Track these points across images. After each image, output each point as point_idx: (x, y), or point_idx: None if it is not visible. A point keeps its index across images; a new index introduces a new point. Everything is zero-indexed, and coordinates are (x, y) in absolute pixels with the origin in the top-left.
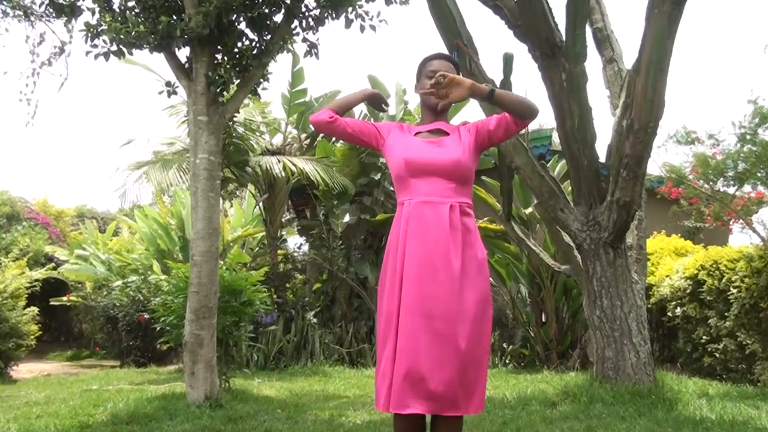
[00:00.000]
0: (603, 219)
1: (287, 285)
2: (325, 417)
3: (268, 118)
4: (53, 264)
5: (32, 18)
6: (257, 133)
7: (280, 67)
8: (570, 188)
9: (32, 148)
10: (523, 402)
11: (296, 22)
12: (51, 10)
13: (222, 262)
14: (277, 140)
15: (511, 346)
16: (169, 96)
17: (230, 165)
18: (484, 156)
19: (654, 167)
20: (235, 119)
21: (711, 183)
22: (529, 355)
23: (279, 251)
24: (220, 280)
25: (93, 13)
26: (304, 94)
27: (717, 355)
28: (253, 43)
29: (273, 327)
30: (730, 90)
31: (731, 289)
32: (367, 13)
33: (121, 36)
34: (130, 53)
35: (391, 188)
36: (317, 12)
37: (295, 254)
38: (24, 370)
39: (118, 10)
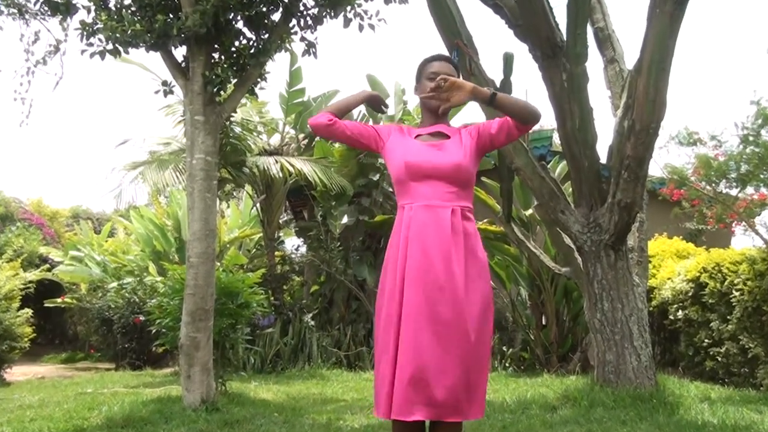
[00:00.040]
0: (604, 221)
1: (285, 287)
2: (323, 421)
3: (266, 118)
4: (48, 265)
5: (27, 16)
6: (254, 133)
7: (277, 67)
8: (571, 190)
9: (27, 147)
10: (523, 406)
11: (294, 21)
12: (46, 8)
13: (219, 264)
14: (275, 140)
15: (511, 350)
16: (165, 95)
17: (227, 165)
18: (484, 157)
19: (656, 169)
20: (232, 119)
21: (713, 185)
22: (529, 358)
23: (276, 253)
24: (216, 281)
25: (88, 12)
26: (302, 93)
27: (719, 359)
28: (251, 42)
29: (270, 329)
30: (732, 91)
31: (733, 292)
32: (365, 12)
33: (117, 34)
34: (126, 52)
35: (390, 189)
36: (315, 11)
37: (293, 256)
38: (18, 372)
39: (114, 8)
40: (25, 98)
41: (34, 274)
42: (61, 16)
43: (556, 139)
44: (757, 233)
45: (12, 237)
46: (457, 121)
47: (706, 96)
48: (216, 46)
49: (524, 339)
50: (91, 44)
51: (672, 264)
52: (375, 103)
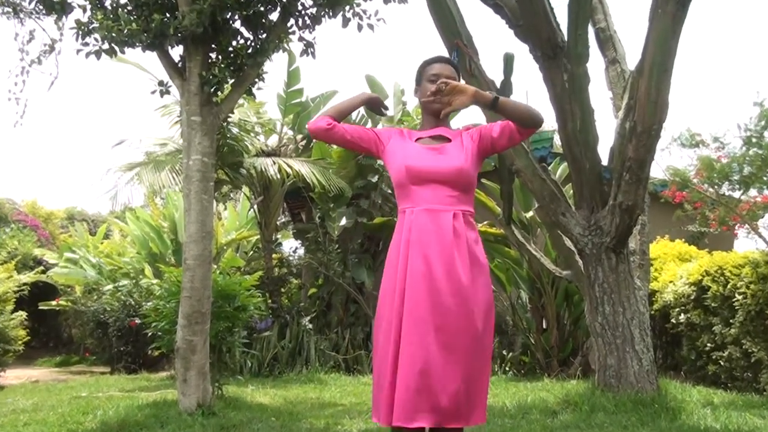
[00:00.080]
0: (605, 223)
1: (282, 290)
2: (321, 425)
3: (263, 119)
4: (42, 267)
5: (22, 15)
6: (252, 134)
7: (275, 67)
8: (571, 192)
9: (21, 148)
10: (523, 411)
11: (292, 21)
12: (41, 7)
13: (215, 266)
14: (273, 141)
15: (511, 354)
16: (161, 96)
17: (224, 166)
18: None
19: (657, 170)
20: (229, 120)
21: (716, 187)
22: (530, 362)
23: (274, 255)
24: (213, 284)
25: (84, 11)
26: (300, 94)
27: (722, 363)
28: (248, 42)
29: (267, 333)
30: (735, 92)
31: (736, 295)
32: (364, 11)
33: (113, 34)
34: (122, 52)
35: (389, 191)
36: (314, 10)
37: (291, 258)
38: (11, 376)
39: (110, 7)
40: (19, 98)
41: (28, 277)
42: (56, 15)
43: (556, 140)
44: (761, 236)
45: (6, 239)
46: (458, 120)
47: (709, 97)
48: (213, 45)
49: (524, 343)
50: (86, 44)
51: (674, 267)
52: (375, 106)
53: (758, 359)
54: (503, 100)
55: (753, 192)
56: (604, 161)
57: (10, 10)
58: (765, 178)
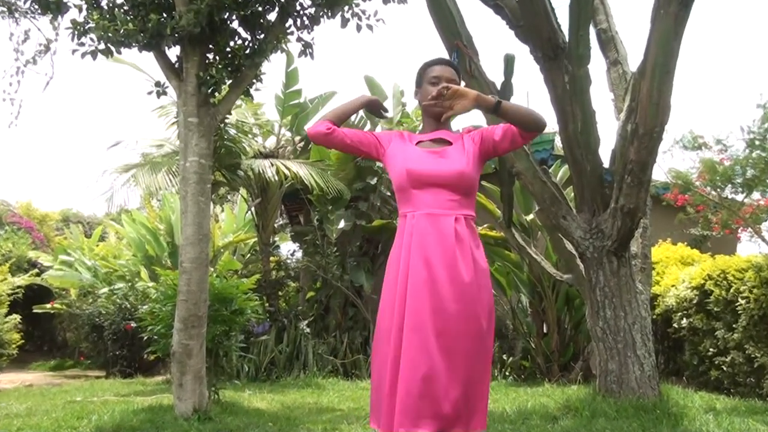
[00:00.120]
0: (606, 226)
1: (280, 293)
2: (318, 431)
3: (261, 120)
4: (37, 270)
5: (17, 14)
6: (250, 136)
7: (273, 68)
8: (572, 194)
9: (16, 149)
10: (523, 416)
11: (291, 21)
12: (36, 7)
13: (212, 269)
14: (270, 143)
15: (511, 358)
16: (158, 96)
17: (221, 168)
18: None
19: (659, 173)
20: (226, 121)
21: (718, 190)
22: (530, 367)
23: (271, 258)
24: (210, 287)
25: (80, 10)
26: (299, 95)
27: (724, 369)
28: (246, 43)
29: (265, 337)
30: (738, 94)
31: (739, 299)
32: (363, 12)
33: (109, 34)
34: (119, 52)
35: (388, 193)
36: (312, 10)
37: (288, 261)
38: (5, 380)
39: (106, 7)
40: (14, 99)
41: (22, 279)
42: (51, 15)
43: (557, 142)
44: (764, 239)
45: (0, 241)
46: (459, 121)
47: (712, 99)
48: (210, 46)
49: (525, 347)
50: (82, 44)
51: (676, 271)
52: (374, 108)
53: (761, 364)
54: (506, 105)
55: (756, 195)
56: (606, 164)
57: (5, 9)
58: None
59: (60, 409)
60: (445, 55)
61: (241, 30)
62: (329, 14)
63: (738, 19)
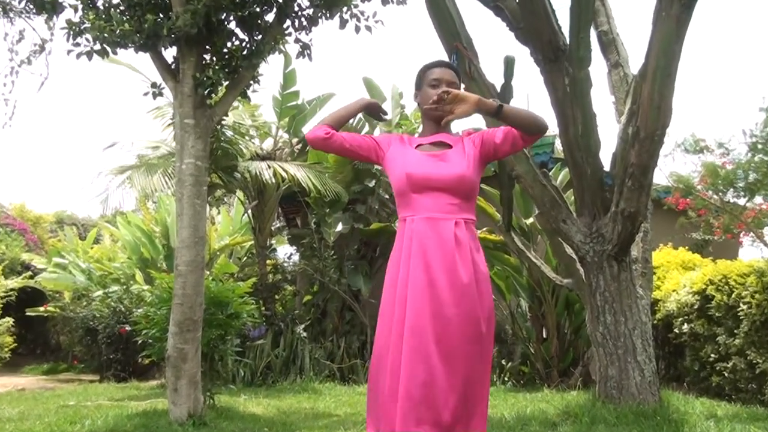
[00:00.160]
0: (607, 231)
1: (276, 297)
2: None
3: (258, 122)
4: (30, 272)
5: (11, 14)
6: (246, 137)
7: (271, 69)
8: (573, 198)
9: (10, 150)
10: (522, 422)
11: (288, 22)
12: (31, 7)
13: (208, 273)
14: (268, 145)
15: (510, 363)
16: (154, 97)
17: (218, 170)
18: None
19: (661, 177)
20: (223, 122)
21: (720, 194)
22: (529, 372)
23: (268, 261)
24: (205, 291)
25: (75, 10)
26: (296, 96)
27: (726, 375)
28: (244, 44)
29: (261, 341)
30: (740, 97)
31: (741, 305)
32: (362, 13)
33: (105, 34)
34: (114, 52)
35: (386, 196)
36: (310, 11)
37: (285, 264)
38: None
39: (102, 7)
40: (8, 99)
41: (15, 282)
42: (46, 15)
43: (557, 145)
44: (766, 244)
45: None
46: (458, 124)
47: (714, 102)
48: (207, 47)
49: (524, 352)
50: (77, 44)
51: (677, 276)
52: (373, 111)
53: (763, 370)
54: (507, 108)
55: (758, 199)
56: (606, 167)
57: (0, 9)
58: None
59: (53, 413)
60: (445, 57)
61: (238, 31)
62: (328, 15)
63: (740, 21)
